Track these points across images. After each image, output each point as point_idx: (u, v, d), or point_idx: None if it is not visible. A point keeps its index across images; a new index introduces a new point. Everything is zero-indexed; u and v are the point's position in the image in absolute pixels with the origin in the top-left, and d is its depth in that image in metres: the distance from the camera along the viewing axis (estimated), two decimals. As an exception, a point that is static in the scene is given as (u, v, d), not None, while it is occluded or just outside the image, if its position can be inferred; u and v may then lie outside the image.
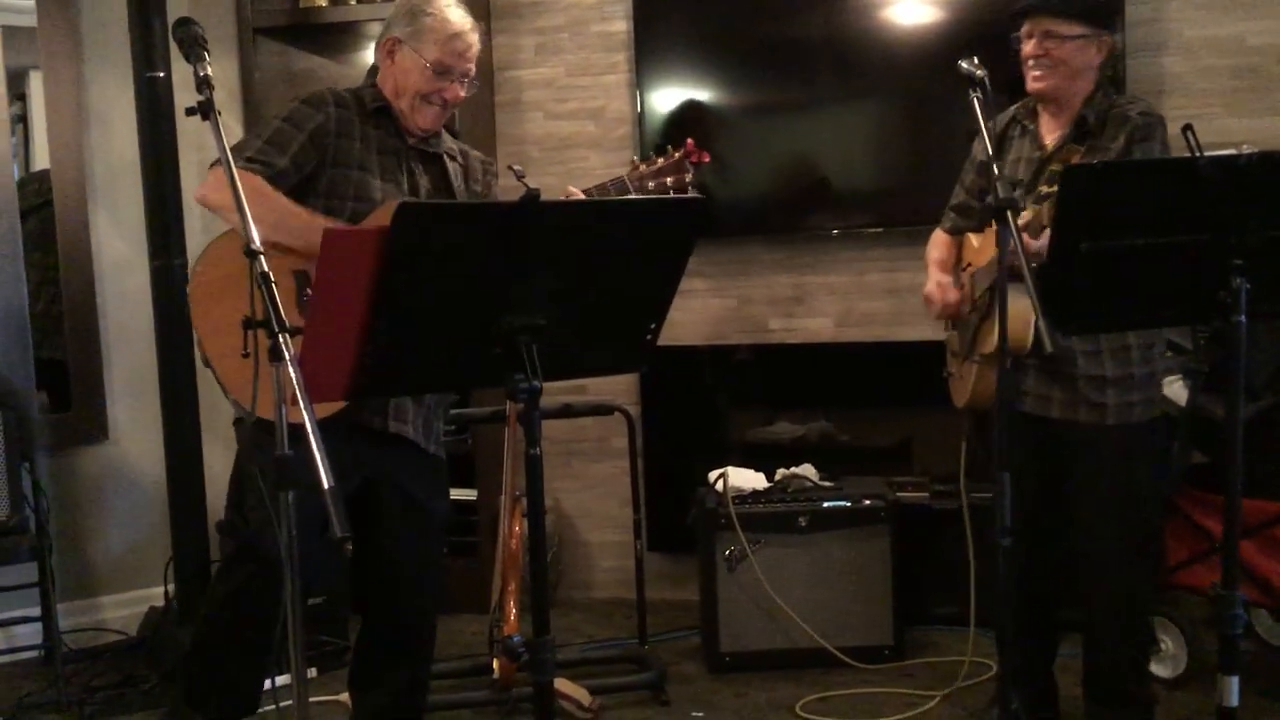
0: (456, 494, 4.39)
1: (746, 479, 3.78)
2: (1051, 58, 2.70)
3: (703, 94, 4.18)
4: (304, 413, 1.82)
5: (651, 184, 2.66)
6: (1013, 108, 2.91)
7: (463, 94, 2.67)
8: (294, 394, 1.84)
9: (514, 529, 3.40)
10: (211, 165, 2.54)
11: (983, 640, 3.22)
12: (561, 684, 3.33)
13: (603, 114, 4.26)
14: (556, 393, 3.61)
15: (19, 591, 3.84)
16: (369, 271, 1.82)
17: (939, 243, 3.06)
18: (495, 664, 3.39)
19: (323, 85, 4.37)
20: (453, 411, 4.06)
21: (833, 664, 3.55)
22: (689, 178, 2.69)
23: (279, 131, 2.58)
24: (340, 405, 2.38)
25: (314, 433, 1.80)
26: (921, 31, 4.01)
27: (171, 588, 3.90)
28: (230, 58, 4.12)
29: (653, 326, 2.08)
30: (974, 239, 2.91)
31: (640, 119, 4.16)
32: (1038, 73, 2.74)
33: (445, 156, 2.74)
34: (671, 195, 2.60)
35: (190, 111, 2.11)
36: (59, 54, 3.97)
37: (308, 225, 2.44)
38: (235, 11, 4.13)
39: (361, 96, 2.68)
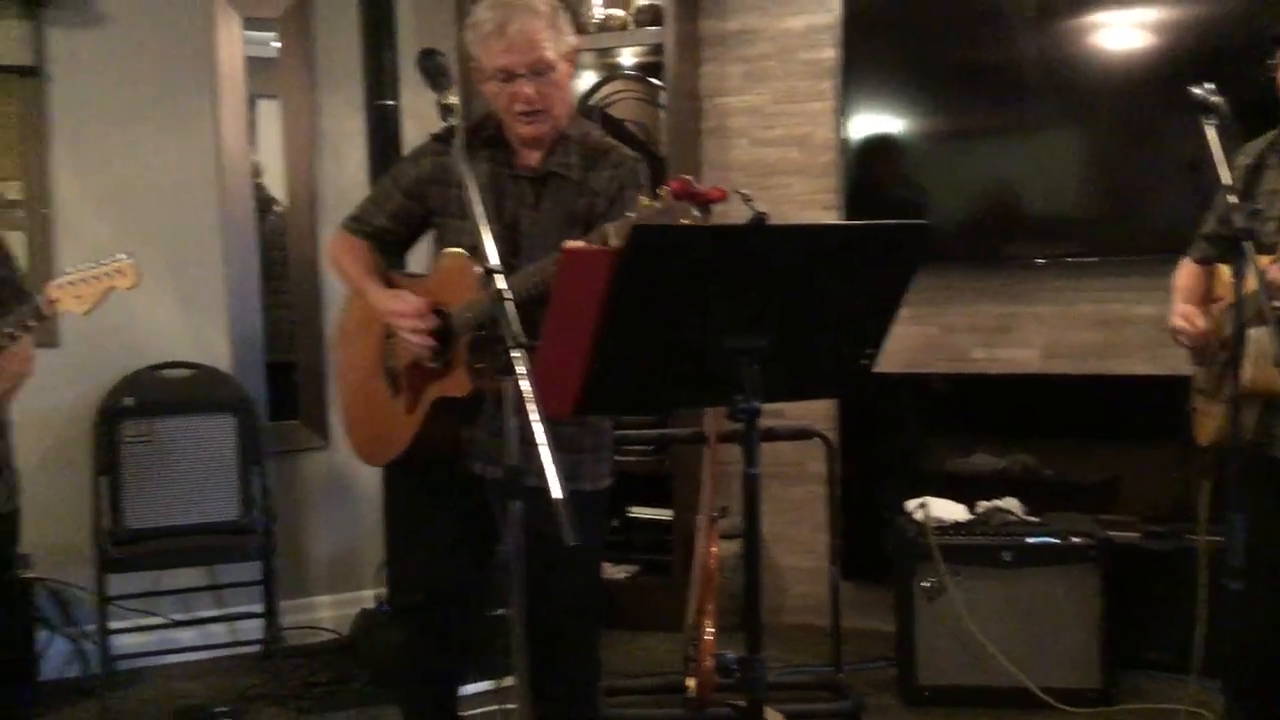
0: (652, 513, 4.49)
1: (947, 510, 3.72)
2: None
3: (908, 120, 4.16)
4: (536, 426, 1.90)
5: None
6: (1271, 133, 2.77)
7: (530, 90, 2.42)
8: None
9: (711, 549, 3.43)
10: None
11: (1201, 690, 3.08)
12: (757, 707, 3.33)
13: (808, 141, 4.28)
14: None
15: (243, 588, 4.10)
16: (601, 290, 1.88)
17: (1187, 272, 2.90)
18: (690, 682, 3.41)
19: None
20: (651, 432, 4.16)
21: (1035, 705, 3.45)
22: (688, 223, 2.13)
23: (381, 189, 2.71)
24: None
25: (547, 444, 1.87)
26: (1135, 56, 3.89)
27: (382, 591, 4.08)
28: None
29: (870, 352, 2.09)
30: (1225, 271, 2.76)
31: (844, 146, 4.16)
32: None
33: (556, 177, 2.53)
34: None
35: (436, 137, 2.23)
36: (296, 83, 4.24)
37: (369, 294, 2.61)
38: (457, 44, 4.32)
39: (484, 127, 2.59)
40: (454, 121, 2.26)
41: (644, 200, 2.21)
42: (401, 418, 2.62)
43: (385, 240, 2.69)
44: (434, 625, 2.74)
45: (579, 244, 2.27)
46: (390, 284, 2.67)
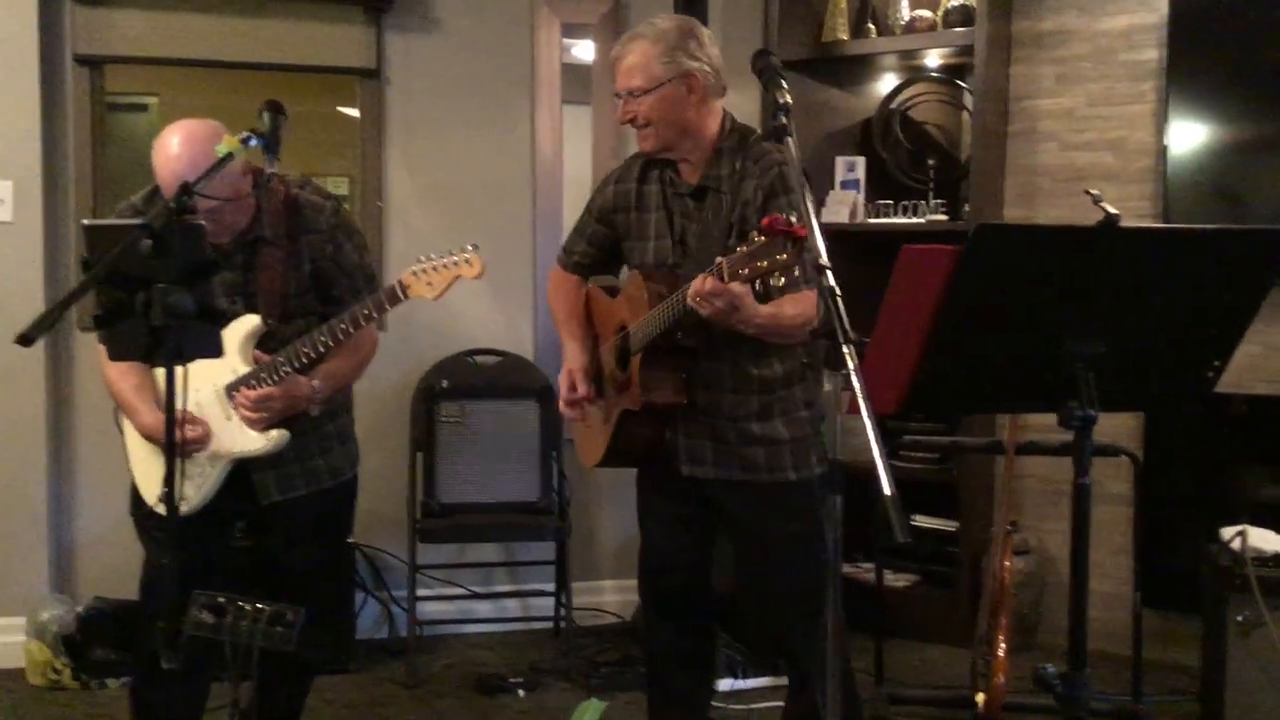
0: (934, 523, 4.40)
1: (1268, 540, 3.47)
2: None
3: (1234, 125, 3.91)
4: (865, 421, 1.91)
5: (745, 270, 2.22)
6: None
7: (627, 110, 2.66)
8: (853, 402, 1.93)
9: (1005, 563, 3.34)
10: None
11: None
12: (1051, 728, 3.23)
13: (1123, 145, 4.10)
14: (1047, 429, 3.51)
15: (539, 567, 4.30)
16: (939, 289, 1.88)
17: None
18: (979, 698, 3.34)
19: (836, 116, 4.59)
20: (940, 439, 4.08)
21: (1363, 758, 3.19)
22: (784, 257, 2.15)
23: (581, 218, 2.94)
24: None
25: (876, 439, 1.88)
26: None
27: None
28: (752, 87, 4.38)
29: (1216, 364, 2.00)
30: None
31: (1164, 152, 3.96)
32: None
33: (711, 191, 2.66)
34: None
35: (766, 135, 2.28)
36: (608, 88, 4.38)
37: (565, 341, 2.91)
38: (762, 45, 4.39)
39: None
40: (784, 120, 2.31)
41: (742, 248, 2.26)
42: (600, 426, 2.83)
43: (586, 265, 2.93)
44: (663, 615, 2.92)
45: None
46: (589, 298, 2.92)
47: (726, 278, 2.27)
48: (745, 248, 2.25)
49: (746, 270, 2.23)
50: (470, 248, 2.63)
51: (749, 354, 2.64)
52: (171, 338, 1.95)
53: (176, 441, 2.06)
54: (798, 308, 2.54)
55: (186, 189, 2.01)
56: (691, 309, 2.41)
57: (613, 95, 2.74)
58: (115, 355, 2.19)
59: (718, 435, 2.69)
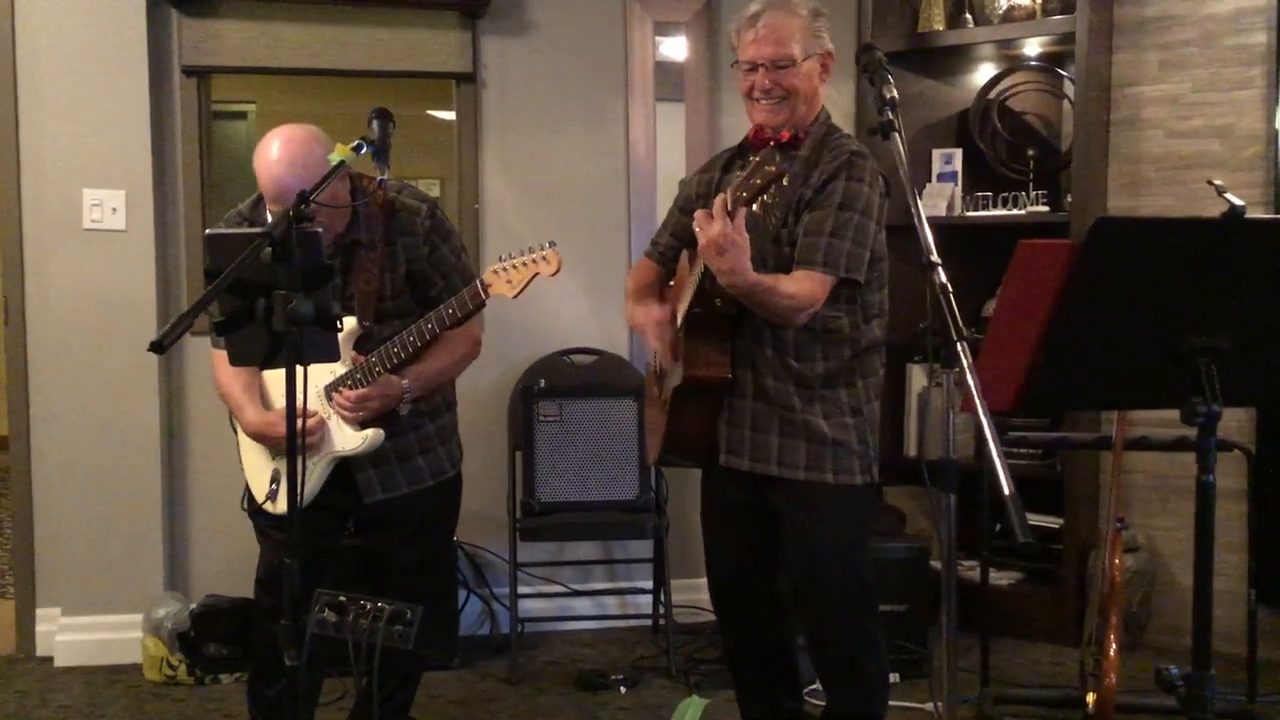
0: (1038, 520, 4.30)
1: (1391, 537, 3.37)
2: None
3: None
4: (982, 419, 1.88)
5: (745, 193, 2.35)
6: None
7: (767, 81, 2.59)
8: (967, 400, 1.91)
9: (1115, 560, 3.27)
10: None
11: None
12: (1165, 730, 3.16)
13: (1231, 132, 3.98)
14: (1154, 424, 3.44)
15: (637, 565, 4.31)
16: (1057, 284, 1.85)
17: None
18: (1090, 698, 3.28)
19: (932, 107, 4.53)
20: (1045, 435, 4.00)
21: None
22: (772, 169, 2.33)
23: (669, 210, 2.96)
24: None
25: (994, 440, 1.86)
26: None
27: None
28: (848, 81, 4.35)
29: (1345, 356, 1.94)
30: None
31: (1275, 138, 3.84)
32: None
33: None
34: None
35: (873, 131, 2.27)
36: (700, 85, 4.40)
37: (629, 310, 2.89)
38: (856, 37, 4.35)
39: (745, 139, 2.79)
40: (890, 115, 2.29)
41: (740, 173, 2.39)
42: (659, 415, 2.81)
43: (670, 257, 2.90)
44: (728, 616, 2.92)
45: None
46: (663, 296, 2.90)
47: (731, 205, 2.36)
48: (742, 171, 2.35)
49: (745, 193, 2.34)
50: (548, 244, 2.65)
51: (791, 344, 2.62)
52: (291, 343, 1.99)
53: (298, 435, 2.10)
54: (796, 286, 2.52)
55: (304, 197, 2.06)
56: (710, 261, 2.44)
57: (743, 65, 2.65)
58: (236, 360, 2.25)
59: (758, 424, 2.66)
